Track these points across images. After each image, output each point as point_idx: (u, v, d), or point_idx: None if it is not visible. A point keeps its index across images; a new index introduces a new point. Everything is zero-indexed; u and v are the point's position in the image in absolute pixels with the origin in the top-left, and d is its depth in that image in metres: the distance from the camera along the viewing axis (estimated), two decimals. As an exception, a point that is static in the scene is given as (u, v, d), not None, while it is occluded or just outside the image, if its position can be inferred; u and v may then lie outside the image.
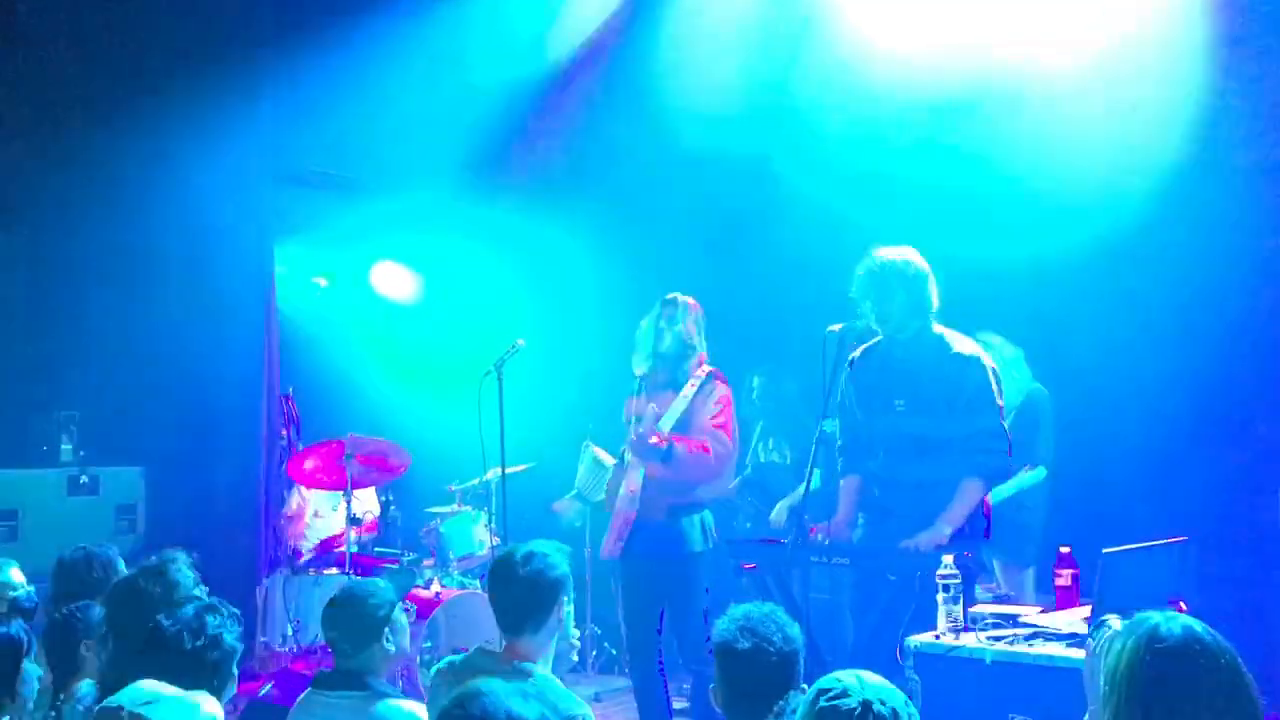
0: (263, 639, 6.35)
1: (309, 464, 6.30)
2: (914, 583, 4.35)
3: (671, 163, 7.43)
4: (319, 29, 6.98)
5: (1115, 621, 2.77)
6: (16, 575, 4.59)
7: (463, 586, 6.51)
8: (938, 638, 4.01)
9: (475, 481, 6.89)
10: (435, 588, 6.32)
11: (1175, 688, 2.28)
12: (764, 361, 7.18)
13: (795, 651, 2.95)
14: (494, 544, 6.56)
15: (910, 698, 2.41)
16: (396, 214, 8.07)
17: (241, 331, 7.22)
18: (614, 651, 7.33)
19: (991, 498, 6.04)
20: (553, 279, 8.02)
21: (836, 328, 4.66)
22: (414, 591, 6.20)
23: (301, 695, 3.62)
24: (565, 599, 3.52)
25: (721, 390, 5.37)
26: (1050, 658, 3.75)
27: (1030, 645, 3.87)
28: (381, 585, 3.83)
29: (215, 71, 6.81)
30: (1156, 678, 2.30)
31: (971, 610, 4.20)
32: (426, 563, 6.62)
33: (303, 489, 6.78)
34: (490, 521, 6.68)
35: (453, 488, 7.13)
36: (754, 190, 7.35)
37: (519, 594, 3.42)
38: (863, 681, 2.33)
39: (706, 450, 5.23)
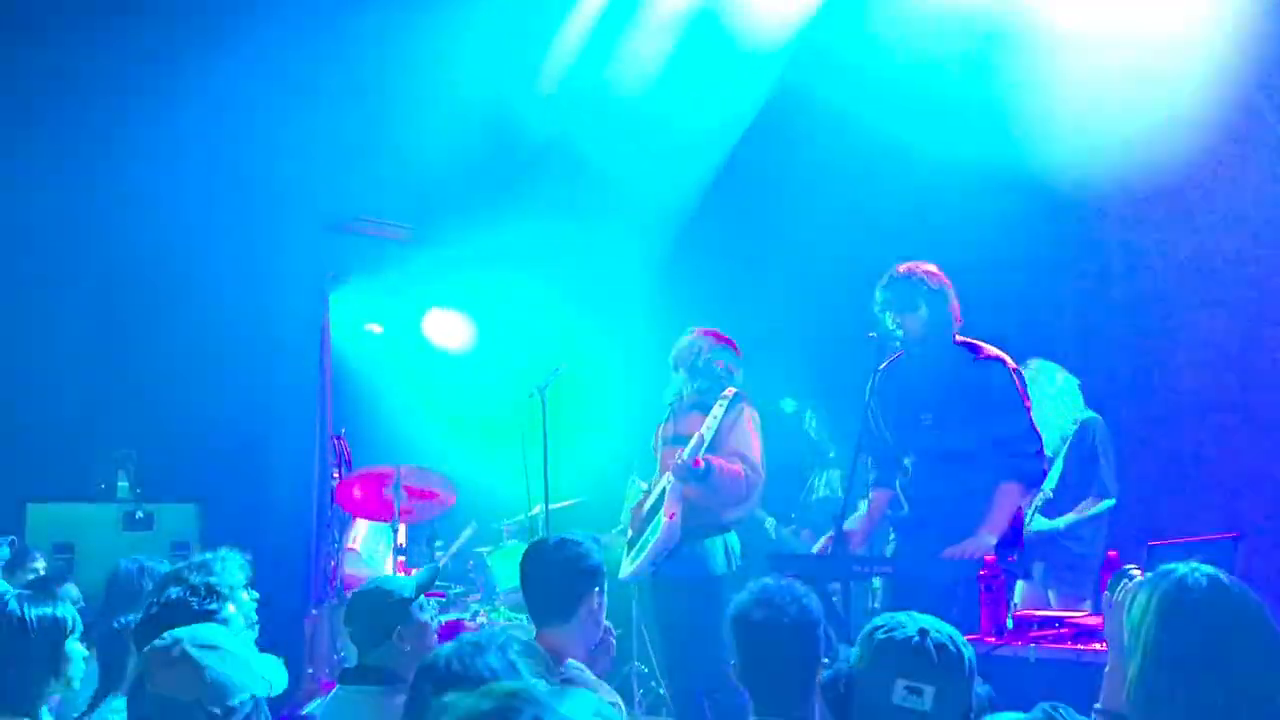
0: (309, 670, 6.35)
1: (356, 492, 6.34)
2: (957, 589, 4.26)
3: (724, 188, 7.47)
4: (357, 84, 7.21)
5: (1137, 572, 2.69)
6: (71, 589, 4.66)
7: (509, 620, 6.47)
8: (979, 639, 3.92)
9: (522, 516, 6.90)
10: (481, 619, 6.29)
11: (1203, 635, 2.23)
12: (816, 394, 7.15)
13: (812, 622, 2.91)
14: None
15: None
16: (447, 259, 8.20)
17: (295, 374, 7.36)
18: (660, 691, 7.21)
19: (1047, 525, 5.96)
20: (600, 310, 8.09)
21: (875, 335, 4.67)
22: (461, 622, 6.17)
23: (332, 690, 3.62)
24: (599, 590, 3.45)
25: (749, 413, 5.42)
26: (1098, 655, 3.64)
27: (1076, 644, 3.77)
28: (402, 582, 3.80)
29: (268, 120, 7.04)
30: (1184, 626, 2.24)
31: (1016, 613, 4.10)
32: (473, 597, 6.61)
33: (360, 526, 6.85)
34: (536, 556, 6.66)
35: (506, 526, 7.15)
36: (817, 207, 7.36)
37: (550, 580, 3.37)
38: (914, 616, 2.46)
39: (739, 473, 5.26)
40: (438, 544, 7.01)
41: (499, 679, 2.49)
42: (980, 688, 2.51)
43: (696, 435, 5.24)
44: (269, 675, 2.73)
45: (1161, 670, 2.27)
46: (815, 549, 6.46)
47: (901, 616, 2.46)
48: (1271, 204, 6.09)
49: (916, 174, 6.64)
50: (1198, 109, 5.85)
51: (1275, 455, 5.95)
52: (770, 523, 7.19)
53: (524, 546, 6.67)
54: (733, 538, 5.38)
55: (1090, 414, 6.06)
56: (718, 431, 5.24)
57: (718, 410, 5.28)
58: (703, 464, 5.16)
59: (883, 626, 2.45)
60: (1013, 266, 6.60)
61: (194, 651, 2.56)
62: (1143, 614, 2.35)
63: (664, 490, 5.34)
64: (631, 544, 5.51)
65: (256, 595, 3.80)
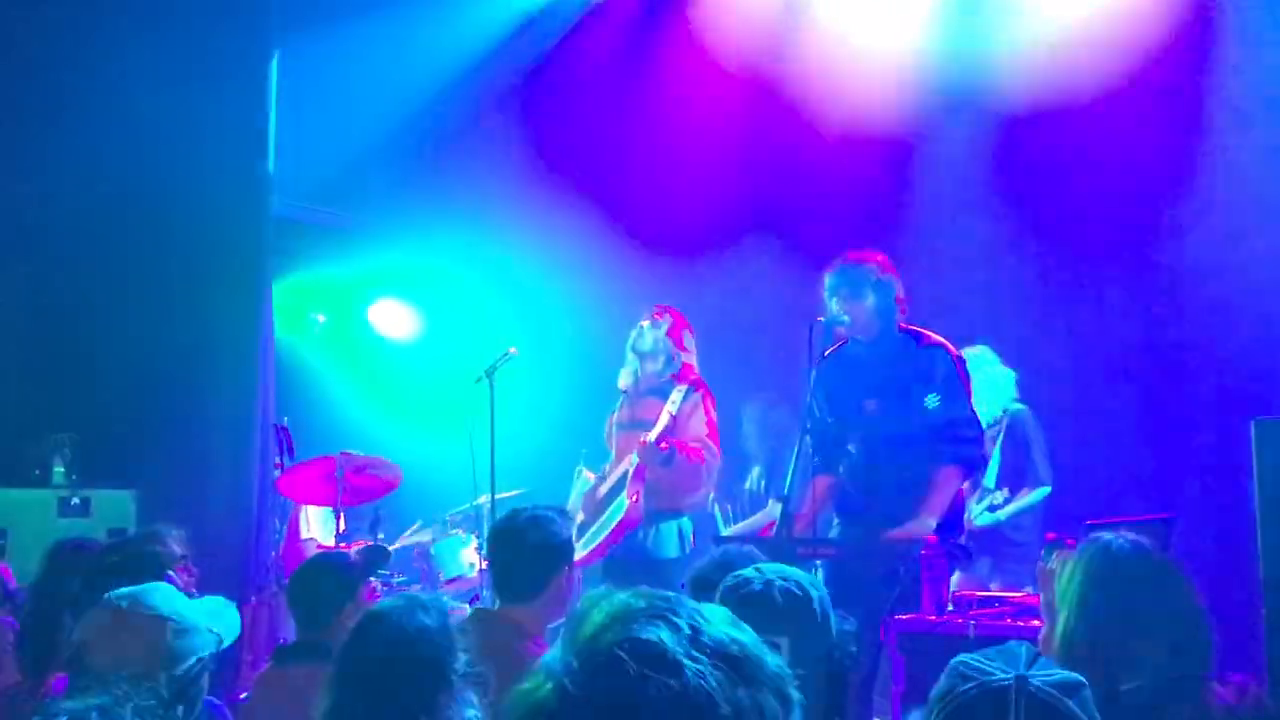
0: (248, 657, 6.27)
1: (299, 480, 6.30)
2: (898, 570, 4.32)
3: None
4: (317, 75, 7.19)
5: (1070, 544, 2.82)
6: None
7: (452, 609, 6.45)
8: (921, 617, 3.99)
9: (467, 506, 6.89)
10: (424, 608, 6.27)
11: (1124, 597, 2.36)
12: (763, 388, 7.18)
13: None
14: (484, 568, 6.52)
15: (896, 678, 2.51)
16: (392, 250, 8.20)
17: (237, 361, 7.24)
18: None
19: (991, 519, 6.06)
20: (545, 298, 8.10)
21: (823, 319, 4.72)
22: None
23: (260, 672, 3.55)
24: (569, 568, 3.40)
25: (707, 399, 5.47)
26: (1035, 630, 3.71)
27: (1015, 621, 3.84)
28: (351, 558, 3.78)
29: (215, 107, 6.97)
30: (1107, 582, 2.35)
31: (955, 593, 4.18)
32: (415, 587, 6.57)
33: (309, 513, 6.80)
34: (480, 545, 6.65)
35: (451, 516, 7.13)
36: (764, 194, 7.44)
37: (521, 556, 3.31)
38: (763, 568, 2.43)
39: (701, 459, 5.31)
40: (380, 536, 6.97)
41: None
42: (846, 624, 2.49)
43: (666, 417, 5.23)
44: (219, 628, 2.69)
45: (1083, 623, 2.38)
46: (756, 530, 6.57)
47: (748, 571, 2.43)
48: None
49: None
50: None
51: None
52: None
53: (469, 539, 6.79)
54: (687, 522, 5.44)
55: (1019, 406, 6.18)
56: (676, 417, 5.25)
57: (676, 396, 5.32)
58: (668, 447, 5.17)
59: (730, 585, 2.43)
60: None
61: (144, 610, 2.52)
62: (1070, 575, 2.46)
63: (625, 473, 5.35)
64: (581, 530, 5.52)
65: (195, 571, 3.77)
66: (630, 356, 5.69)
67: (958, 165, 6.93)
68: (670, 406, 5.32)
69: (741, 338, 7.28)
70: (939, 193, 7.01)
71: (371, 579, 3.87)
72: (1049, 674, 1.73)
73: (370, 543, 6.22)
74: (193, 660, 2.57)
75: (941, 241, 6.86)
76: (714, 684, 1.12)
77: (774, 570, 2.41)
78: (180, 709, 2.46)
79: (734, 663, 1.15)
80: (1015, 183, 6.80)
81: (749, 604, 2.33)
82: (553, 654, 1.20)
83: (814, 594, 2.38)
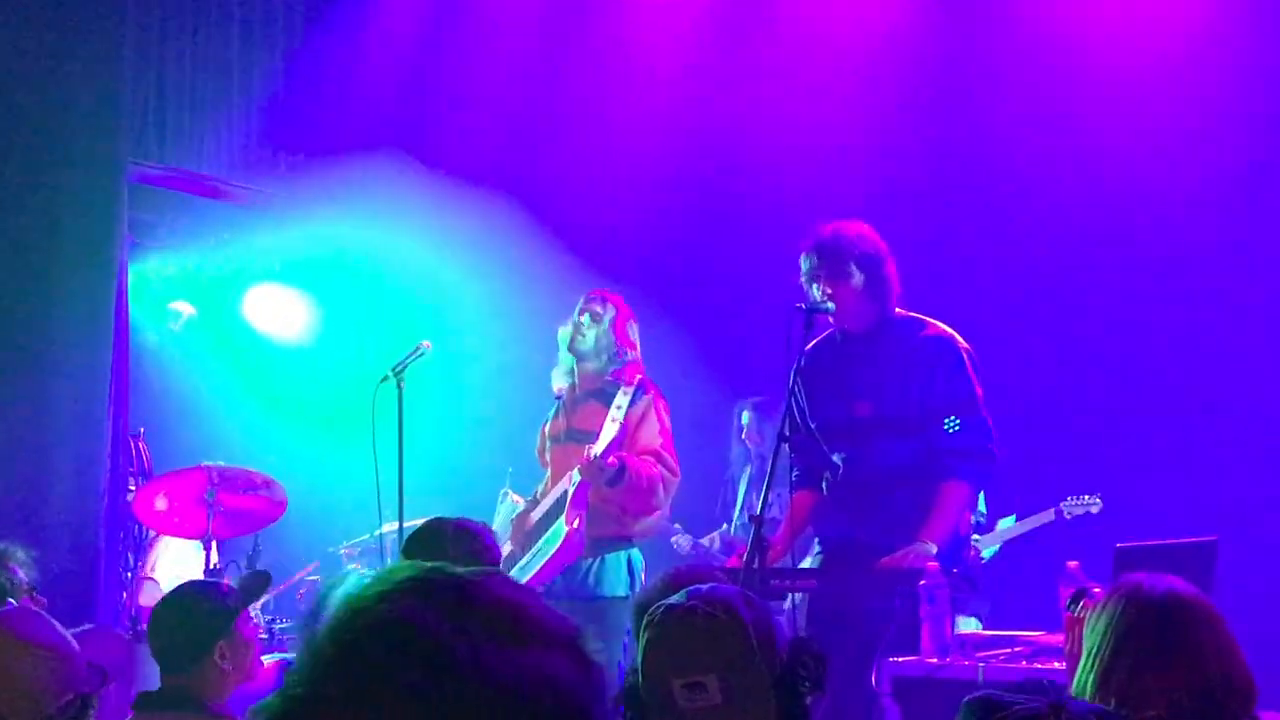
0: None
1: (160, 503, 6.28)
2: (892, 605, 4.42)
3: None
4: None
5: (1097, 590, 2.98)
6: None
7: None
8: (920, 660, 4.09)
9: (368, 536, 6.91)
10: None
11: (1161, 646, 2.58)
12: (756, 390, 7.31)
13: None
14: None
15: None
16: (279, 228, 8.21)
17: (81, 359, 7.21)
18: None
19: (994, 548, 6.22)
20: (462, 284, 8.17)
21: (804, 305, 4.73)
22: (290, 662, 6.16)
23: None
24: None
25: (659, 404, 5.52)
26: (1056, 674, 3.82)
27: (1032, 663, 3.97)
28: (224, 590, 3.79)
29: (68, 42, 6.98)
30: (1141, 636, 2.56)
31: (959, 634, 4.29)
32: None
33: (164, 547, 6.79)
34: (385, 584, 6.67)
35: (347, 549, 7.14)
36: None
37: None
38: (692, 591, 2.45)
39: (656, 476, 5.35)
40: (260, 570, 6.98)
41: None
42: (805, 647, 2.50)
43: (615, 427, 5.25)
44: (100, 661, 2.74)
45: (1116, 672, 2.60)
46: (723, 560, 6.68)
47: (675, 596, 2.44)
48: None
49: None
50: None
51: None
52: (682, 539, 7.33)
53: (368, 574, 6.80)
54: (638, 555, 5.48)
55: None
56: (624, 425, 5.30)
57: (622, 400, 5.34)
58: (617, 463, 5.22)
59: (643, 605, 2.50)
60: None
61: (19, 636, 2.54)
62: (1103, 623, 2.69)
63: (564, 495, 5.39)
64: (509, 563, 5.57)
65: (43, 601, 3.80)
66: (563, 354, 5.73)
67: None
68: (615, 412, 5.35)
69: (708, 335, 7.43)
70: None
71: (251, 611, 3.90)
72: (1084, 707, 1.85)
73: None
74: (71, 696, 2.61)
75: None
76: (488, 658, 1.15)
77: (702, 592, 2.41)
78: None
79: (513, 628, 1.19)
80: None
81: (666, 637, 2.36)
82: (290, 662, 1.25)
83: (747, 615, 2.38)
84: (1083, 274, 7.05)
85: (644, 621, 2.43)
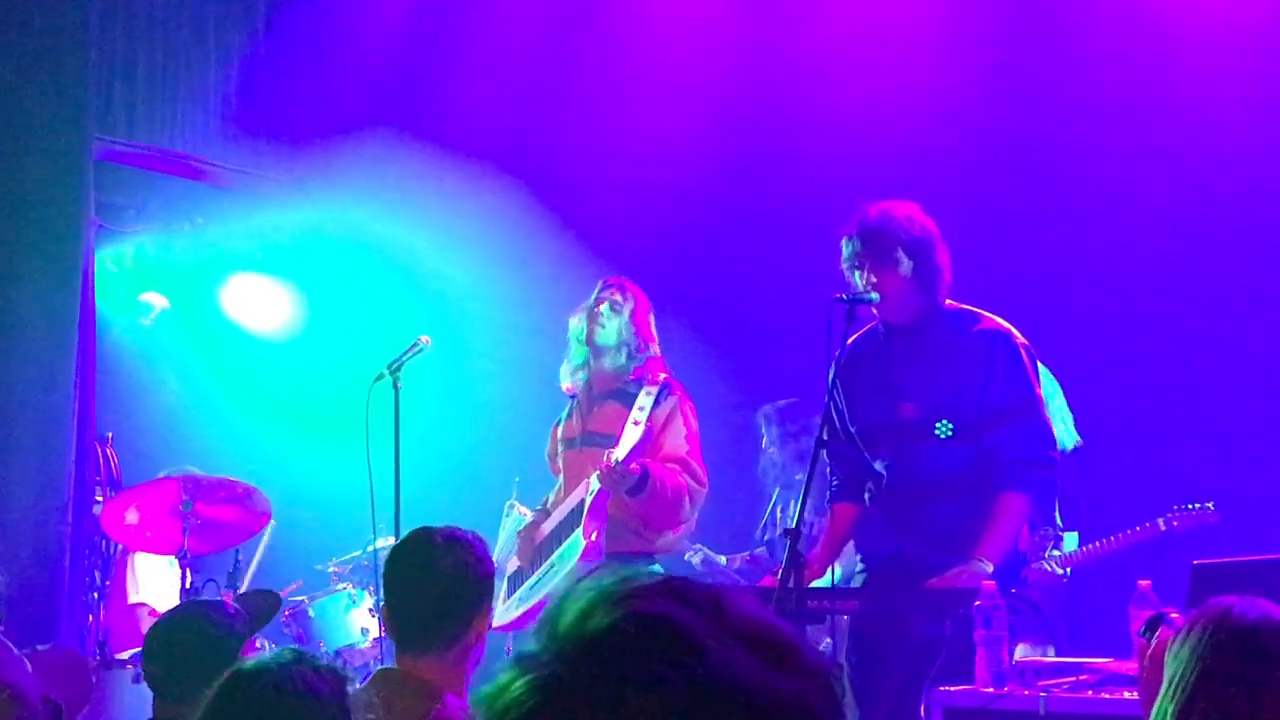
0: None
1: (131, 516, 6.25)
2: (943, 630, 4.37)
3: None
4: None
5: (1175, 616, 2.93)
6: None
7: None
8: (975, 690, 4.03)
9: (360, 553, 6.88)
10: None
11: (1252, 669, 2.55)
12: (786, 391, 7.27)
13: None
14: (381, 635, 6.51)
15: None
16: (261, 210, 8.19)
17: (41, 357, 7.18)
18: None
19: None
20: (464, 275, 8.13)
21: (845, 296, 4.65)
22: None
23: None
24: (490, 610, 3.46)
25: (685, 406, 5.47)
26: (1126, 704, 3.76)
27: (1099, 693, 3.90)
28: (231, 612, 3.79)
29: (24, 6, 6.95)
30: (1232, 660, 2.56)
31: (1018, 660, 4.24)
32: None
33: (143, 566, 6.75)
34: (377, 605, 6.63)
35: (336, 567, 7.11)
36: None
37: (431, 592, 3.32)
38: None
39: (682, 486, 5.29)
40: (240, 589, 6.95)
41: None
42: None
43: (638, 430, 5.17)
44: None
45: (1203, 704, 2.56)
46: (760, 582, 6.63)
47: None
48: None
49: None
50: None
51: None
52: (697, 556, 7.29)
53: (361, 596, 6.77)
54: (658, 573, 5.42)
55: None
56: (647, 429, 5.24)
57: (645, 401, 5.29)
58: (639, 469, 5.15)
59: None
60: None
61: None
62: (1187, 650, 2.68)
63: (581, 505, 5.32)
64: (516, 580, 5.51)
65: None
66: (576, 349, 5.66)
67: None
68: (638, 414, 5.29)
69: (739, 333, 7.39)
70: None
71: (257, 638, 3.88)
72: None
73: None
74: None
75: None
76: (744, 670, 1.16)
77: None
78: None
79: (768, 649, 1.19)
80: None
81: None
82: (525, 648, 1.22)
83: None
84: (1164, 270, 6.94)
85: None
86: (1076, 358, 6.43)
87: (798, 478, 7.36)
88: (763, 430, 7.37)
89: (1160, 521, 6.04)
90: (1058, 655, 5.63)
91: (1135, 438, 6.79)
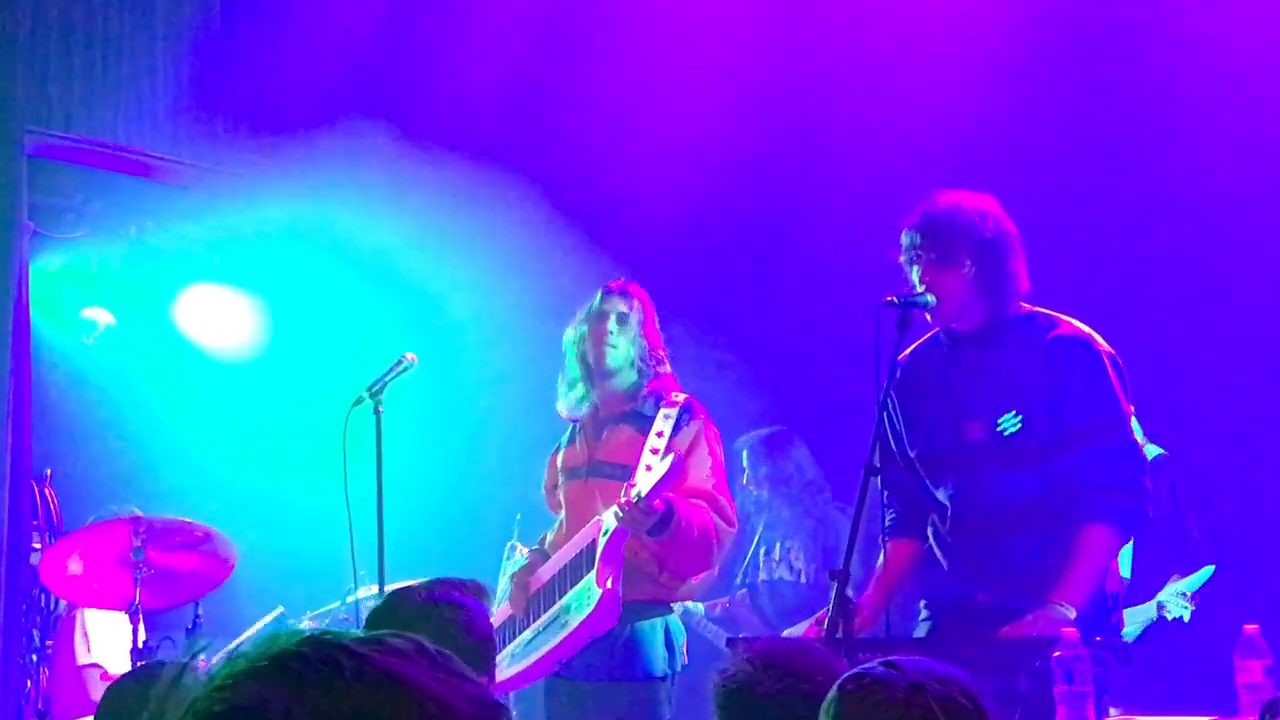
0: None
1: (73, 565, 6.24)
2: (1018, 684, 4.35)
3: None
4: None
5: None
6: None
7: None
8: (1058, 752, 4.03)
9: (339, 604, 6.89)
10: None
11: None
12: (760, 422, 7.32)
13: None
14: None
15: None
16: (220, 212, 8.20)
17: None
18: None
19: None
20: (452, 289, 8.15)
21: (896, 299, 4.66)
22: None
23: None
24: (487, 677, 3.50)
25: (709, 432, 5.45)
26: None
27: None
28: (192, 664, 3.78)
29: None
30: None
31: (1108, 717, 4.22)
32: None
33: (92, 623, 6.76)
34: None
35: (309, 620, 7.12)
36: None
37: None
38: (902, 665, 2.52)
39: (709, 525, 5.26)
40: (201, 655, 6.93)
41: None
42: None
43: (665, 462, 5.10)
44: None
45: None
46: (800, 631, 6.62)
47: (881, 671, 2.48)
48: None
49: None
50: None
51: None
52: (697, 606, 7.31)
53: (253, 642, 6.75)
54: (676, 624, 5.41)
55: (1157, 450, 6.24)
56: (675, 459, 5.16)
57: (663, 425, 5.24)
58: (664, 506, 5.11)
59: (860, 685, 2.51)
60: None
61: None
62: None
63: (594, 546, 5.23)
64: (507, 632, 5.48)
65: None
66: (574, 367, 5.61)
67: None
68: (656, 440, 5.23)
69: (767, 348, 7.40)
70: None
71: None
72: None
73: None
74: None
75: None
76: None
77: (925, 670, 2.46)
78: None
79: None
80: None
81: None
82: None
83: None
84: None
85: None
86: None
87: (785, 516, 7.41)
88: (744, 464, 7.38)
89: None
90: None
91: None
